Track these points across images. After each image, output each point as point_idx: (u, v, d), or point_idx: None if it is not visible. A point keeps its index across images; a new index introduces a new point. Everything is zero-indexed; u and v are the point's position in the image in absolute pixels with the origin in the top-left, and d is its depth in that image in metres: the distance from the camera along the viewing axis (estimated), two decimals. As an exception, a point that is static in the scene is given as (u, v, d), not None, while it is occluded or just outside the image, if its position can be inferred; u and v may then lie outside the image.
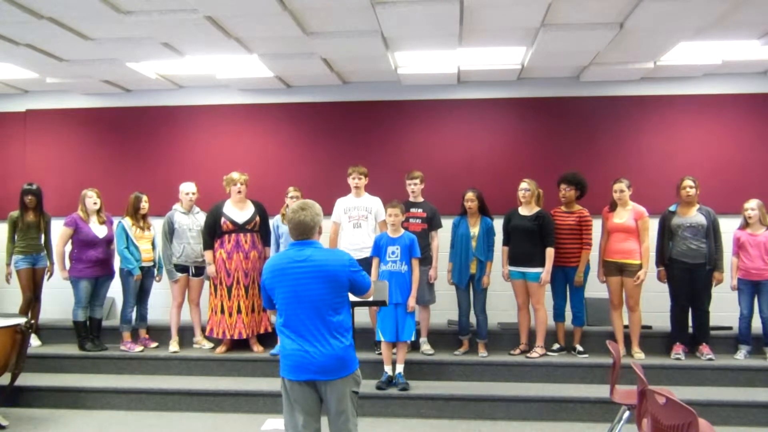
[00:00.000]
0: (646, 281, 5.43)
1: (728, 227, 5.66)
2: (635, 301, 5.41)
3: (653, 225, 5.55)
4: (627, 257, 5.39)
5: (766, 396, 4.90)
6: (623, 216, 5.45)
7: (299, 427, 3.03)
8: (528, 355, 5.52)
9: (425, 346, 5.68)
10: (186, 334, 5.98)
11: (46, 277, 6.12)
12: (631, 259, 5.38)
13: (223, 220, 5.60)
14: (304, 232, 3.12)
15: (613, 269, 5.47)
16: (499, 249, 5.70)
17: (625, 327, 5.56)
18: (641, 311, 5.45)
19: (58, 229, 5.83)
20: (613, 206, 5.54)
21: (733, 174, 6.29)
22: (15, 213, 5.97)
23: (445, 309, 6.09)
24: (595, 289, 5.93)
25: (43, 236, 6.08)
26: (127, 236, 5.69)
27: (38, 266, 6.04)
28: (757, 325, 5.43)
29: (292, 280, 3.03)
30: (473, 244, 5.53)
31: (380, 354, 5.17)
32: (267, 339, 5.85)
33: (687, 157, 6.29)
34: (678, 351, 5.41)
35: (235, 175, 5.64)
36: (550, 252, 5.44)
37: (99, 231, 5.80)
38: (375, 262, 5.10)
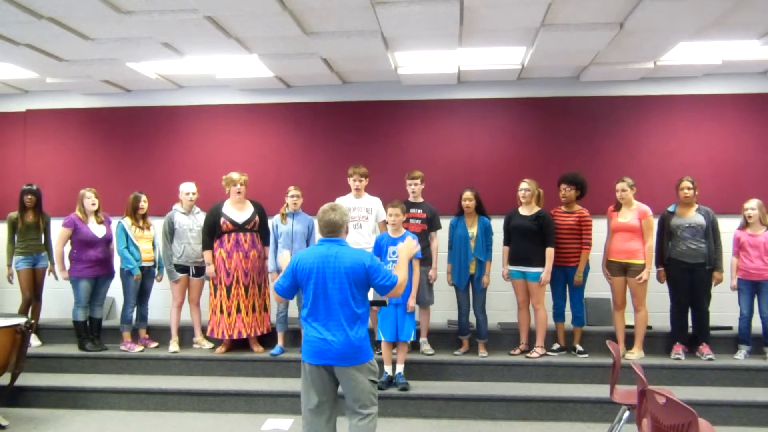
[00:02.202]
0: (648, 280, 5.42)
1: (728, 227, 5.66)
2: (640, 301, 5.41)
3: (655, 225, 5.55)
4: (630, 257, 5.39)
5: (766, 396, 4.90)
6: (627, 216, 5.45)
7: (312, 406, 3.35)
8: (528, 355, 5.52)
9: (425, 346, 5.68)
10: (186, 334, 5.98)
11: (47, 275, 6.11)
12: (634, 258, 5.38)
13: (222, 219, 5.60)
14: (333, 230, 3.42)
15: (616, 269, 5.47)
16: (498, 248, 5.70)
17: (628, 327, 5.55)
18: (647, 310, 5.45)
19: (57, 230, 5.83)
20: (618, 206, 5.54)
21: (733, 174, 6.29)
22: (14, 214, 5.97)
23: (445, 309, 6.09)
24: (595, 289, 5.94)
25: (43, 236, 6.09)
26: (127, 236, 5.69)
27: (38, 266, 6.05)
28: (757, 325, 5.43)
29: (322, 274, 3.32)
30: (472, 244, 5.53)
31: (380, 354, 5.17)
32: (267, 339, 5.85)
33: (687, 157, 6.30)
34: (678, 351, 5.42)
35: (234, 175, 5.64)
36: (550, 252, 5.44)
37: (98, 231, 5.80)
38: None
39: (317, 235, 5.73)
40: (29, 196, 5.95)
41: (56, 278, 6.06)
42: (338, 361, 3.28)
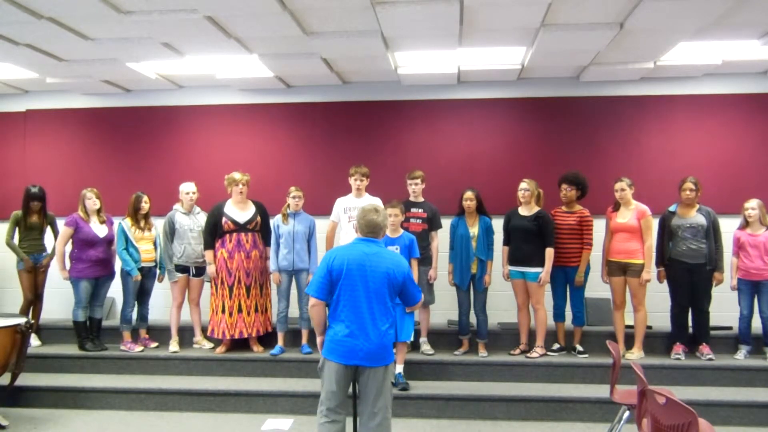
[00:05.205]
0: (649, 280, 5.41)
1: (728, 227, 5.66)
2: (639, 301, 5.40)
3: (655, 225, 5.54)
4: (630, 257, 5.39)
5: (766, 396, 4.91)
6: (626, 216, 5.44)
7: (332, 406, 3.35)
8: (528, 355, 5.52)
9: (425, 346, 5.68)
10: (186, 334, 5.98)
11: (42, 264, 6.06)
12: (634, 258, 5.38)
13: (224, 219, 5.60)
14: (374, 230, 3.47)
15: (616, 269, 5.46)
16: (499, 248, 5.70)
17: (628, 327, 5.55)
18: (646, 310, 5.45)
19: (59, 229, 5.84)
20: (617, 206, 5.54)
21: (733, 174, 6.29)
22: (19, 213, 5.96)
23: (445, 309, 6.09)
24: (595, 289, 5.93)
25: (45, 237, 6.09)
26: (126, 237, 5.69)
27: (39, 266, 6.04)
28: (757, 325, 5.43)
29: (363, 272, 3.33)
30: (473, 244, 5.53)
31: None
32: (267, 339, 5.85)
33: (687, 157, 6.29)
34: (678, 351, 5.41)
35: (236, 175, 5.64)
36: (549, 252, 5.44)
37: (99, 231, 5.80)
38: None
39: (318, 236, 5.79)
40: (35, 202, 5.93)
41: (47, 262, 6.05)
42: (367, 361, 3.30)
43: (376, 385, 3.31)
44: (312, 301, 3.43)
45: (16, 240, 5.96)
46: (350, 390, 3.44)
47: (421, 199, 5.69)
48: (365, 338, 3.28)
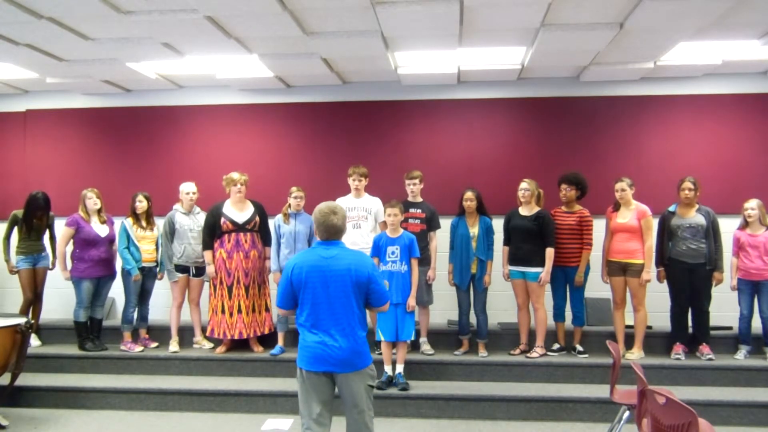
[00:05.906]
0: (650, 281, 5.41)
1: (728, 227, 5.66)
2: (639, 301, 5.41)
3: (655, 225, 5.54)
4: (630, 257, 5.39)
5: (766, 396, 4.90)
6: (626, 216, 5.44)
7: (314, 416, 3.21)
8: (528, 355, 5.52)
9: (425, 346, 5.68)
10: (186, 334, 5.98)
11: (49, 269, 6.11)
12: (634, 258, 5.38)
13: (222, 220, 5.60)
14: (334, 233, 3.31)
15: (616, 269, 5.46)
16: (499, 248, 5.70)
17: (628, 327, 5.55)
18: (646, 311, 5.45)
19: (59, 230, 5.83)
20: (617, 206, 5.54)
21: (733, 174, 6.29)
22: (19, 213, 5.96)
23: (445, 309, 6.09)
24: (595, 289, 5.93)
25: (44, 237, 6.09)
26: (128, 237, 5.69)
27: (39, 266, 6.05)
28: (757, 325, 5.43)
29: (321, 276, 3.20)
30: (473, 244, 5.53)
31: (380, 354, 5.18)
32: (267, 339, 5.85)
33: (687, 157, 6.30)
34: (678, 351, 5.42)
35: (235, 175, 5.64)
36: (549, 252, 5.44)
37: (100, 230, 5.80)
38: (374, 262, 5.09)
39: (318, 236, 5.78)
40: (40, 213, 5.92)
41: (51, 268, 6.09)
42: (340, 367, 3.19)
43: (350, 389, 3.21)
44: (281, 311, 3.44)
45: (14, 240, 5.96)
46: (336, 391, 3.34)
47: (419, 200, 5.68)
48: (333, 344, 3.16)
